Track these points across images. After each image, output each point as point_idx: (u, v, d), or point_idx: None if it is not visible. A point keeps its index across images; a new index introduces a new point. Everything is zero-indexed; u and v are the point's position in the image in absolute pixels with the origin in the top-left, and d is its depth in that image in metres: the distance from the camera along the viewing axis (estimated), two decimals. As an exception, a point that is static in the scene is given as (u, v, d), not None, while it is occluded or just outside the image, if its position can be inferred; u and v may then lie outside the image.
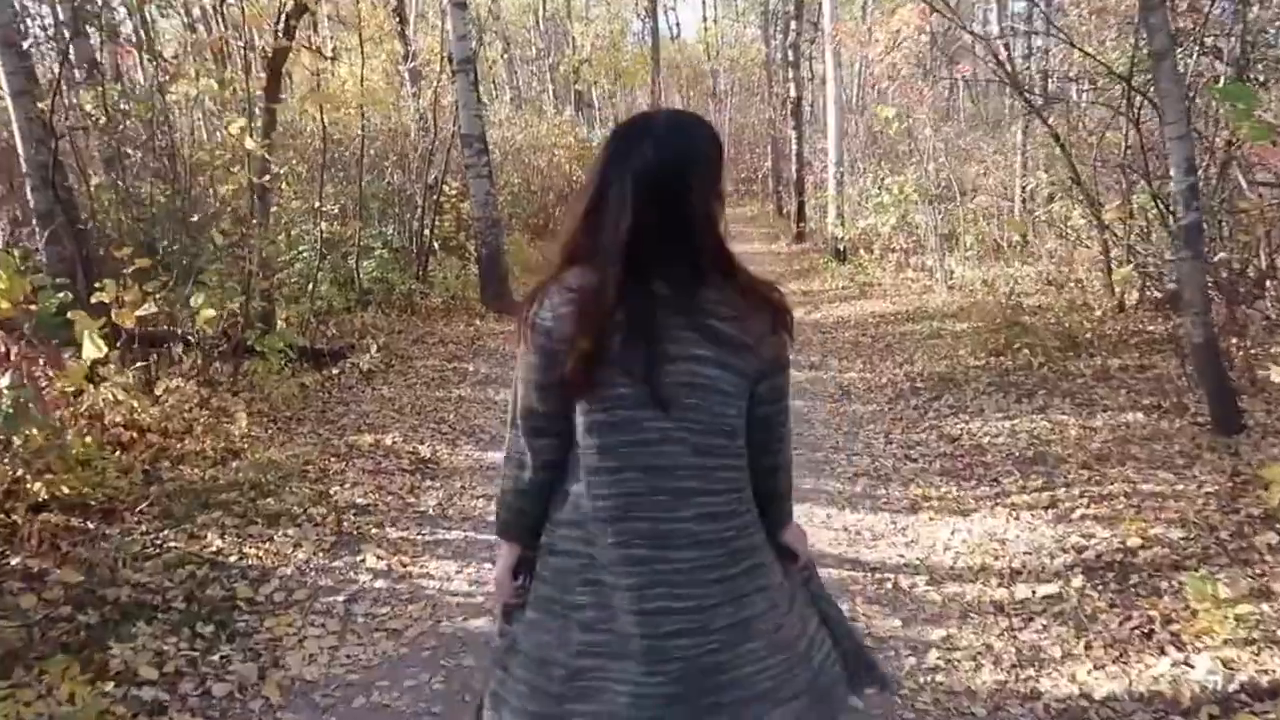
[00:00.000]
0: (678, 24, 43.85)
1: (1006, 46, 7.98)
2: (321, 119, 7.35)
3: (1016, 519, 3.87)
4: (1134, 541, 3.42)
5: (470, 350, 7.56)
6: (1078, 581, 3.21)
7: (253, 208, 6.16)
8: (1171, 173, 4.55)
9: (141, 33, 8.32)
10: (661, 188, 1.40)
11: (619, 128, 1.50)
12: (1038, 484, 4.18)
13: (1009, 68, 6.78)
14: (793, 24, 15.57)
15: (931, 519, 3.96)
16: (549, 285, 1.45)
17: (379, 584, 3.41)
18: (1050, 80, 7.62)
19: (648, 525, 1.43)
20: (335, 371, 6.49)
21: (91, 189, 6.02)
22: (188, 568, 3.34)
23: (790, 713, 1.50)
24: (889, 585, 3.35)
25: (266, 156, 5.96)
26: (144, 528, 3.64)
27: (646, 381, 1.39)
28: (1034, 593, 3.19)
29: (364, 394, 6.04)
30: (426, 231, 9.44)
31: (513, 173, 15.05)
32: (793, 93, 15.52)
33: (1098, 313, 6.46)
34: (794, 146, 15.31)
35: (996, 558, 3.51)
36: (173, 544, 3.52)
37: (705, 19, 34.82)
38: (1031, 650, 2.84)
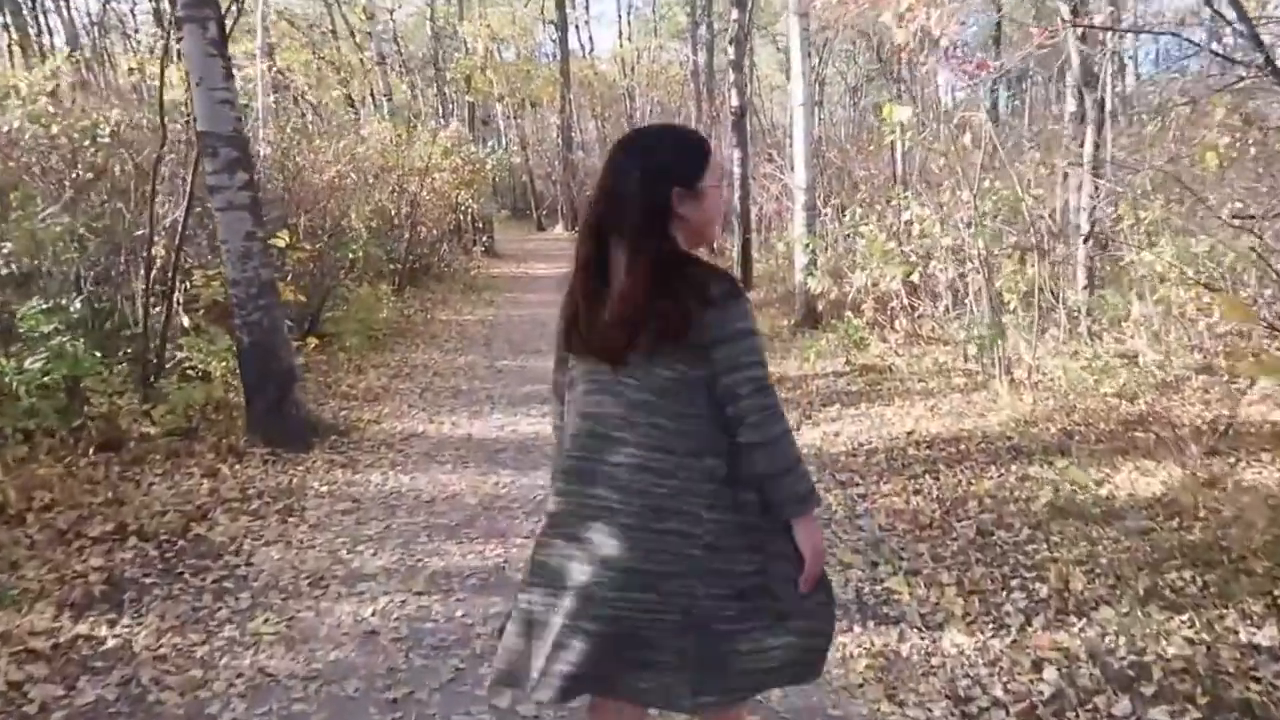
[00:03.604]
0: (590, 39, 40.42)
1: None
2: None
3: None
4: None
5: (174, 552, 3.73)
6: None
7: None
8: None
9: None
10: None
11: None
12: None
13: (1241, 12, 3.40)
14: (734, 14, 12.14)
15: None
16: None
17: None
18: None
19: (572, 463, 1.68)
20: None
21: None
22: None
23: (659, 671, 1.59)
24: None
25: None
26: None
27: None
28: None
29: None
30: (161, 301, 5.59)
31: (368, 201, 11.21)
32: (734, 101, 12.09)
33: None
34: (736, 170, 11.87)
35: None
36: None
37: (620, 34, 31.67)
38: None
